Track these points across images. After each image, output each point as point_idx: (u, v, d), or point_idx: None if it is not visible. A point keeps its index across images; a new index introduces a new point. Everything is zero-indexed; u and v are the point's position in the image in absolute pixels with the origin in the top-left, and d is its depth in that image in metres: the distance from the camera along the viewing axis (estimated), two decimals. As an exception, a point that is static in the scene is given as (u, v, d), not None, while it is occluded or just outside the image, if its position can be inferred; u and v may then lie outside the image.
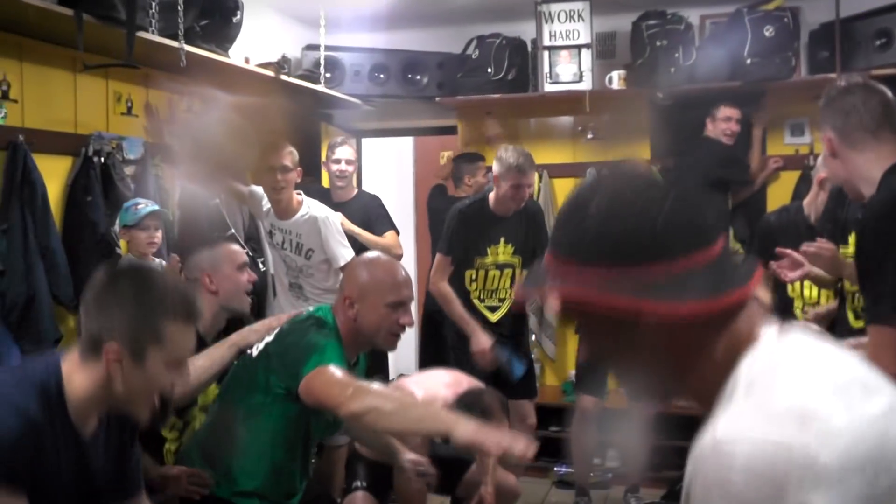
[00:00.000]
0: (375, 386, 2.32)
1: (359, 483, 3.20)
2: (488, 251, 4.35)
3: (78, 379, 1.82)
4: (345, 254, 4.12)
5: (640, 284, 1.05)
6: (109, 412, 1.93)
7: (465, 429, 2.05)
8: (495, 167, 4.23)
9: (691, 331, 1.08)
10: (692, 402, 1.13)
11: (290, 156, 4.00)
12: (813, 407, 0.97)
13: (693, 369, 1.11)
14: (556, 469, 5.16)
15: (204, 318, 3.08)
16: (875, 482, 0.93)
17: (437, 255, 4.41)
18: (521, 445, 1.97)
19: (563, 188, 5.83)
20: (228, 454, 2.59)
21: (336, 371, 2.34)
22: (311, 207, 4.15)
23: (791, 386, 1.00)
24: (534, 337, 5.56)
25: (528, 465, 4.76)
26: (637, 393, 1.24)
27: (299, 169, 4.11)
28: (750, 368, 1.06)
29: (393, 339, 2.65)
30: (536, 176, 5.74)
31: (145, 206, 3.86)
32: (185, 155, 3.69)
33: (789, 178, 5.37)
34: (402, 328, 2.64)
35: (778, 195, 5.35)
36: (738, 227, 5.28)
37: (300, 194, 4.18)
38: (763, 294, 1.13)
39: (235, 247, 3.30)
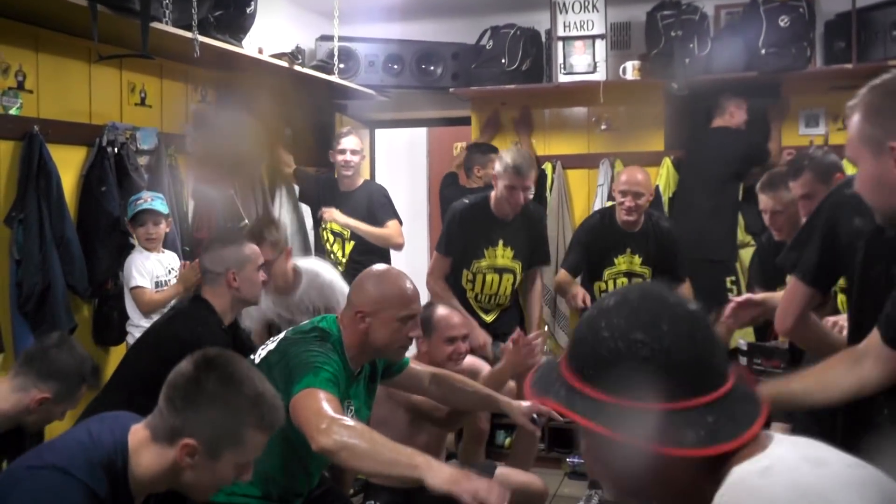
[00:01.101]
0: (352, 422, 2.25)
1: (374, 501, 3.14)
2: (485, 253, 4.34)
3: (145, 459, 1.81)
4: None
5: (645, 421, 1.08)
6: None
7: (439, 476, 2.01)
8: (495, 166, 4.23)
9: (689, 468, 1.11)
10: None
11: (271, 247, 3.81)
12: None
13: (688, 499, 1.13)
14: (569, 460, 5.16)
15: (222, 310, 3.21)
16: None
17: (435, 254, 4.41)
18: (496, 495, 1.94)
19: (577, 179, 5.82)
20: None
21: (321, 398, 2.27)
22: (308, 278, 3.95)
23: None
24: (547, 328, 5.55)
25: (542, 457, 4.78)
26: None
27: (288, 249, 3.94)
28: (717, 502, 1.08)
29: (402, 351, 2.70)
30: (549, 166, 5.75)
31: (145, 201, 3.88)
32: (201, 157, 3.71)
33: (804, 170, 5.33)
34: (411, 341, 2.67)
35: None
36: (749, 219, 5.25)
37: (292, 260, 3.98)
38: None
39: (256, 247, 3.38)
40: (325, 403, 2.26)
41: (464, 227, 4.30)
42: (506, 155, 4.22)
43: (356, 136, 5.10)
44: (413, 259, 6.72)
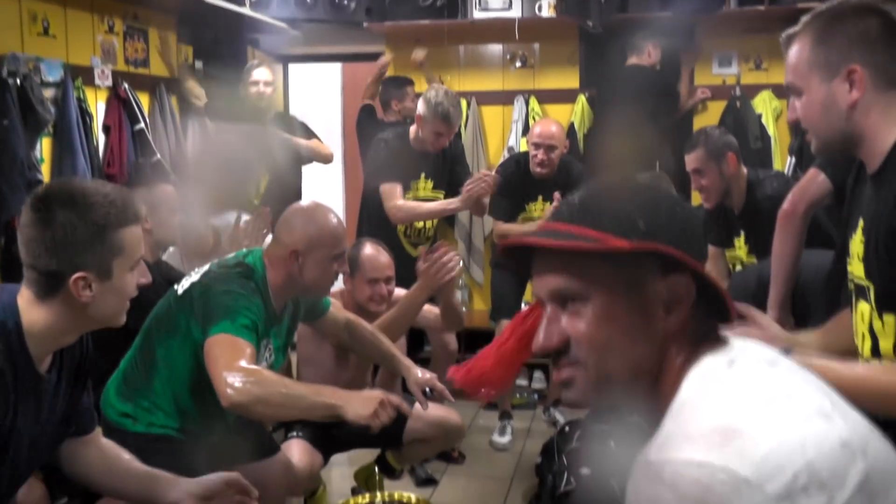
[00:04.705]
0: (265, 372, 2.25)
1: (296, 433, 3.12)
2: (411, 186, 4.32)
3: (40, 316, 1.74)
4: None
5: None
6: (64, 349, 1.86)
7: (355, 410, 2.18)
8: (421, 107, 4.11)
9: (685, 325, 1.14)
10: (646, 416, 1.17)
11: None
12: (734, 425, 1.01)
13: (659, 379, 1.15)
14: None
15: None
16: (793, 483, 0.97)
17: (382, 187, 4.19)
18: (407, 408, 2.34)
19: (492, 115, 5.85)
20: (145, 394, 2.54)
21: (234, 347, 2.25)
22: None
23: (716, 406, 1.05)
24: (462, 263, 5.58)
25: (457, 389, 4.84)
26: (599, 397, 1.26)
27: None
28: (686, 389, 1.11)
29: (328, 289, 2.71)
30: (464, 103, 5.74)
31: None
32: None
33: (716, 108, 5.48)
34: (338, 276, 2.67)
35: (704, 125, 5.44)
36: (664, 158, 5.35)
37: None
38: None
39: (170, 188, 3.33)
40: (237, 354, 2.23)
41: (391, 155, 4.24)
42: (435, 100, 4.08)
43: (267, 68, 5.02)
44: (329, 196, 6.67)
